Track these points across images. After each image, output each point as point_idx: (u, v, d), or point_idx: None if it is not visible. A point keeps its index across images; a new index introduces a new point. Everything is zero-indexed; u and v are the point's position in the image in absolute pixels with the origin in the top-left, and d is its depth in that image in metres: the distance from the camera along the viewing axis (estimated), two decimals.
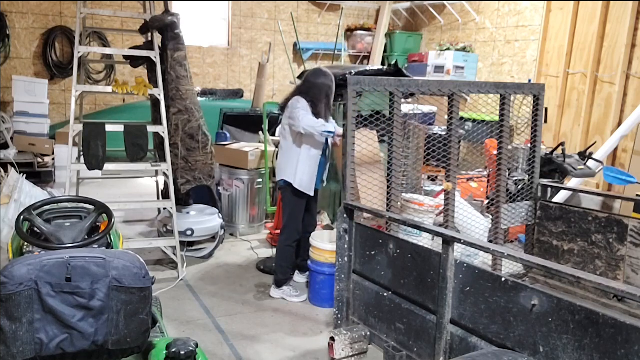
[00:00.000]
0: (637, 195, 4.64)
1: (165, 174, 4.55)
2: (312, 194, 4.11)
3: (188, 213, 5.00)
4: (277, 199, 5.28)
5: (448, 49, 8.46)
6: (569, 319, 2.01)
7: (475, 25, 8.70)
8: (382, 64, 9.76)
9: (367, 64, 10.05)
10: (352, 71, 4.35)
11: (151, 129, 4.43)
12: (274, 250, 4.67)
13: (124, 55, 5.19)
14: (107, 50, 6.94)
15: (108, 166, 4.23)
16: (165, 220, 5.01)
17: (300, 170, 3.99)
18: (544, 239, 3.92)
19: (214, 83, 9.34)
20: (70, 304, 1.92)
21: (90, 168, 4.17)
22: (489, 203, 4.38)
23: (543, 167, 4.54)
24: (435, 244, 3.62)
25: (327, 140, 4.06)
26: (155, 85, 4.46)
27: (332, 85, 4.01)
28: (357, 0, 9.98)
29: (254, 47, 9.56)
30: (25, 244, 2.57)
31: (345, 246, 3.13)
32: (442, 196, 3.89)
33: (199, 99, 5.77)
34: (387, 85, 3.17)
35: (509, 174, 4.35)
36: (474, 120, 7.00)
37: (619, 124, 6.27)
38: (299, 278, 4.49)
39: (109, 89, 4.53)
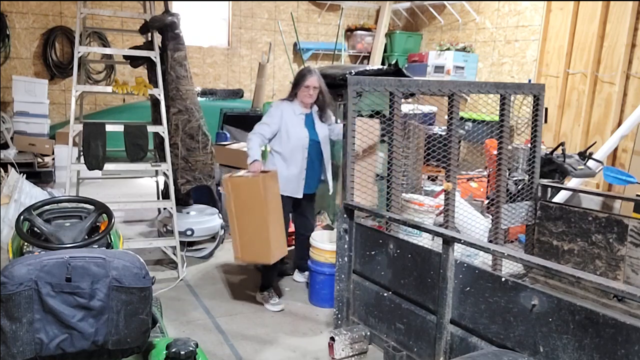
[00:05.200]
0: (637, 195, 4.64)
1: (165, 174, 4.55)
2: (299, 196, 4.01)
3: (188, 213, 4.99)
4: None
5: (448, 49, 8.46)
6: (569, 319, 2.01)
7: (475, 25, 8.70)
8: (382, 64, 9.76)
9: (367, 64, 10.05)
10: (352, 71, 4.35)
11: (151, 129, 4.43)
12: None
13: (124, 55, 5.19)
14: (107, 50, 6.94)
15: (108, 166, 4.23)
16: (165, 220, 5.01)
17: (284, 176, 3.89)
18: (544, 239, 3.92)
19: (214, 83, 9.34)
20: (70, 304, 1.92)
21: (90, 168, 4.17)
22: (489, 203, 4.38)
23: (543, 167, 4.54)
24: (435, 244, 3.62)
25: (313, 144, 3.99)
26: (155, 85, 4.46)
27: (304, 75, 3.94)
28: (357, 0, 9.98)
29: (254, 47, 9.56)
30: (25, 244, 2.57)
31: (345, 246, 3.13)
32: (442, 196, 3.89)
33: (199, 99, 5.77)
34: (387, 85, 3.17)
35: (509, 174, 4.35)
36: (474, 120, 6.99)
37: (619, 124, 6.27)
38: (299, 277, 4.48)
39: (109, 89, 4.53)
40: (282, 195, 3.88)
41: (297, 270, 4.50)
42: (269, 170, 3.79)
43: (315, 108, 4.07)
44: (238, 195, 3.69)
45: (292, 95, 4.00)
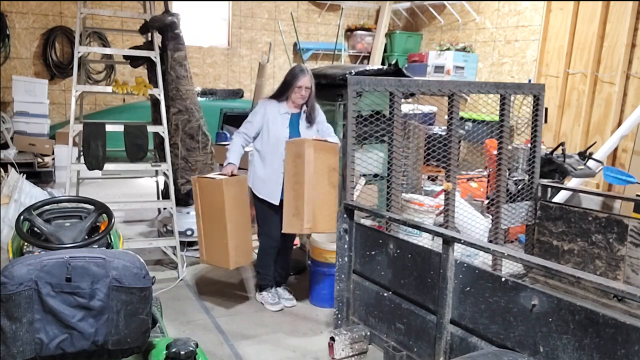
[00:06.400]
0: (637, 195, 4.64)
1: (165, 174, 4.55)
2: (275, 202, 3.77)
3: (188, 213, 4.99)
4: None
5: (448, 49, 8.47)
6: (569, 319, 2.01)
7: (475, 25, 8.70)
8: (382, 64, 9.76)
9: (367, 64, 10.05)
10: (352, 71, 4.35)
11: (151, 129, 4.43)
12: None
13: (124, 55, 5.19)
14: (107, 50, 6.95)
15: (108, 166, 4.23)
16: (165, 220, 5.01)
17: (259, 177, 3.81)
18: (544, 239, 3.92)
19: (214, 83, 9.34)
20: (70, 304, 1.93)
21: (90, 168, 4.17)
22: (489, 203, 4.38)
23: (543, 167, 4.55)
24: (435, 244, 3.62)
25: None
26: (155, 85, 4.46)
27: (296, 75, 3.74)
28: (357, 0, 9.98)
29: (254, 47, 9.56)
30: (25, 244, 2.57)
31: (345, 246, 3.13)
32: (442, 196, 3.89)
33: (199, 99, 5.77)
34: (387, 85, 3.17)
35: (509, 174, 4.35)
36: (474, 120, 7.00)
37: (619, 124, 6.27)
38: (280, 294, 4.07)
39: (109, 89, 4.53)
40: (259, 199, 3.80)
41: (275, 286, 4.10)
42: (237, 175, 3.69)
43: (305, 108, 3.83)
44: (203, 196, 3.68)
45: (283, 97, 3.79)
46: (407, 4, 9.67)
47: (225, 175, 3.66)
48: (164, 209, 5.12)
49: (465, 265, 2.42)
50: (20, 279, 1.86)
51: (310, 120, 3.83)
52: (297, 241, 4.73)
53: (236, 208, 3.62)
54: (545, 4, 7.26)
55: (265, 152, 3.79)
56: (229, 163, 3.73)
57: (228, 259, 3.62)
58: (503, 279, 2.26)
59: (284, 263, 4.11)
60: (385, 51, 9.94)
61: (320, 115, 3.90)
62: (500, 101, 3.67)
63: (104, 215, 2.68)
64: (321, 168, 3.50)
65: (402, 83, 3.23)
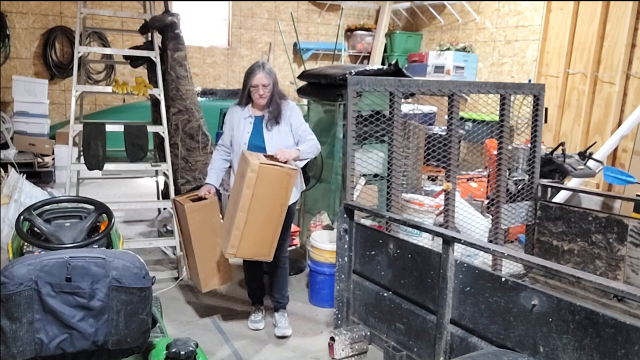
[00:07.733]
0: (637, 195, 4.64)
1: (165, 174, 4.55)
2: None
3: None
4: None
5: (448, 49, 8.46)
6: (569, 319, 2.01)
7: (475, 25, 8.70)
8: (382, 64, 9.76)
9: (367, 64, 10.05)
10: (352, 71, 4.35)
11: (151, 129, 4.43)
12: None
13: (124, 55, 5.19)
14: (107, 50, 6.93)
15: (108, 166, 4.23)
16: (165, 220, 5.01)
17: (230, 185, 3.56)
18: (544, 239, 3.92)
19: (214, 83, 9.34)
20: (70, 304, 1.93)
21: (90, 168, 4.17)
22: (489, 203, 4.38)
23: (543, 167, 4.55)
24: (435, 244, 3.62)
25: (257, 151, 3.34)
26: (155, 85, 4.46)
27: (250, 73, 3.41)
28: (357, 0, 9.98)
29: (254, 47, 9.56)
30: (25, 244, 2.57)
31: (345, 246, 3.13)
32: (442, 196, 3.89)
33: (199, 99, 5.77)
34: (387, 85, 3.17)
35: (509, 174, 4.35)
36: (474, 120, 7.00)
37: (619, 124, 6.27)
38: (275, 320, 3.68)
39: (109, 89, 4.53)
40: None
41: (274, 311, 3.76)
42: (207, 198, 3.59)
43: (270, 109, 3.43)
44: (179, 218, 3.76)
45: (244, 99, 3.49)
46: (407, 4, 9.67)
47: (202, 195, 3.59)
48: (164, 209, 5.12)
49: (465, 265, 2.42)
50: (20, 279, 1.86)
51: (278, 122, 3.41)
52: (296, 241, 4.73)
53: (204, 232, 3.58)
54: (545, 4, 7.26)
55: (234, 161, 3.51)
56: (206, 184, 3.61)
57: (199, 282, 3.68)
58: (503, 279, 2.26)
59: (279, 284, 3.66)
60: (385, 51, 9.93)
61: (294, 116, 3.44)
62: (500, 101, 3.67)
63: (104, 215, 2.69)
64: (263, 194, 3.16)
65: (402, 83, 3.23)
